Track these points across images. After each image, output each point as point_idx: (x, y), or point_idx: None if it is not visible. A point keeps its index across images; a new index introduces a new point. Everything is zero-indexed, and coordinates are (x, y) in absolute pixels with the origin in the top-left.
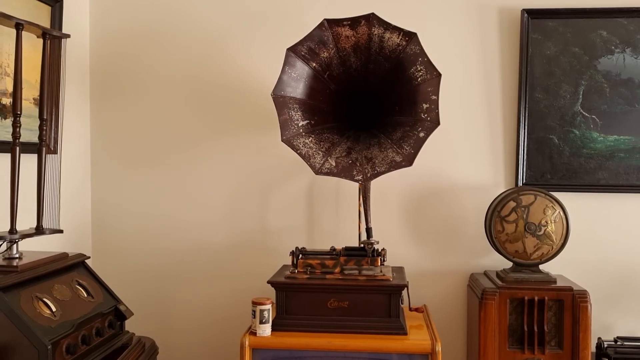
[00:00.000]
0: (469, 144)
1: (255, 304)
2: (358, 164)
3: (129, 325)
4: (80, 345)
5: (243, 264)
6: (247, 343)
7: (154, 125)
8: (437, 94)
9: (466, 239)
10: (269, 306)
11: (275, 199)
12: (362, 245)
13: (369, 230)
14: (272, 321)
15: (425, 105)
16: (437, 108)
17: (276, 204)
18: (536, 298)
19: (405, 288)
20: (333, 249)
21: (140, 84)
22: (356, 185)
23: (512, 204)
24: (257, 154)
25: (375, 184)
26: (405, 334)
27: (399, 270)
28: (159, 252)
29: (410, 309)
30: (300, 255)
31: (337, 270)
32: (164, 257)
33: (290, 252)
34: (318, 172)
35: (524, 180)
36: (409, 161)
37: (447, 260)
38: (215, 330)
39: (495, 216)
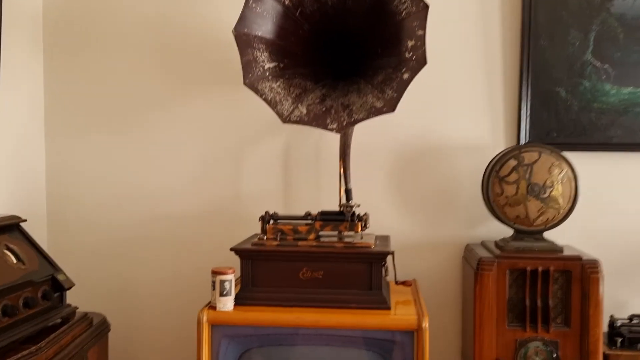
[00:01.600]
0: (464, 99)
1: (215, 273)
2: (333, 112)
3: (84, 301)
4: (1, 318)
5: (212, 234)
6: (204, 318)
7: (113, 83)
8: (424, 29)
9: (461, 206)
10: (230, 276)
11: (249, 162)
12: (340, 210)
13: (348, 192)
14: (236, 294)
15: (410, 43)
16: (424, 45)
17: (250, 168)
18: (540, 268)
19: (390, 257)
20: (308, 214)
21: (97, 39)
22: (336, 147)
23: (513, 162)
24: (228, 112)
25: (358, 144)
26: (388, 308)
27: (383, 239)
28: (119, 221)
29: (396, 283)
30: (271, 221)
31: (312, 237)
32: (126, 227)
33: (260, 217)
34: (286, 120)
35: (527, 139)
36: (391, 106)
37: (440, 229)
38: (181, 308)
39: (493, 177)
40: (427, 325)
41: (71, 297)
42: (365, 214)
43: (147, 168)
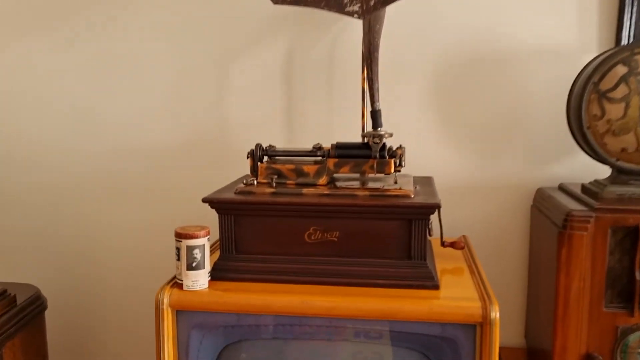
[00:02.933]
0: None
1: (180, 236)
2: None
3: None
4: None
5: (191, 176)
6: (165, 301)
7: None
8: None
9: (530, 135)
10: (203, 240)
11: (238, 77)
12: (365, 141)
13: (375, 115)
14: (213, 266)
15: None
16: None
17: (239, 86)
18: None
19: (437, 211)
20: (318, 148)
21: None
22: (358, 52)
23: (621, 69)
24: (209, 8)
25: (388, 53)
26: (436, 287)
27: (424, 182)
28: (64, 161)
29: (442, 244)
30: (265, 158)
31: (323, 180)
32: (73, 168)
33: (248, 153)
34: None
35: (631, 41)
36: None
37: (498, 167)
38: (150, 277)
39: (589, 92)
40: (498, 316)
41: None
42: (400, 147)
43: (103, 87)
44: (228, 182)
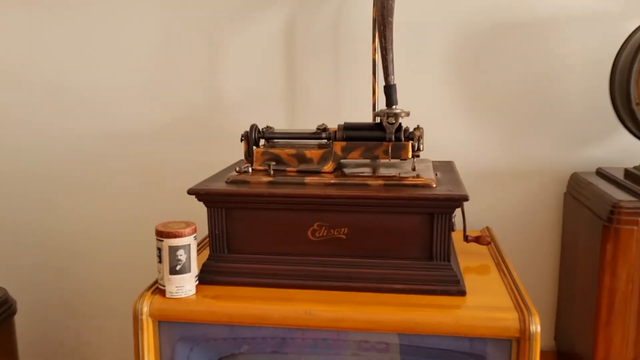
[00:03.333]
0: None
1: (161, 235)
2: None
3: None
4: None
5: (178, 161)
6: (145, 310)
7: None
8: None
9: (563, 112)
10: (189, 240)
11: (233, 49)
12: (377, 121)
13: (390, 91)
14: (202, 267)
15: None
16: None
17: (233, 59)
18: None
19: (463, 203)
20: (322, 129)
21: None
22: (369, 17)
23: None
24: None
25: (402, 18)
26: (462, 293)
27: (445, 168)
28: (36, 145)
29: (465, 239)
30: (261, 141)
31: (329, 167)
32: (46, 153)
33: (242, 135)
34: None
35: None
36: None
37: (527, 149)
38: (131, 277)
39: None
40: (539, 330)
41: None
42: (418, 128)
43: (76, 64)
44: (221, 169)
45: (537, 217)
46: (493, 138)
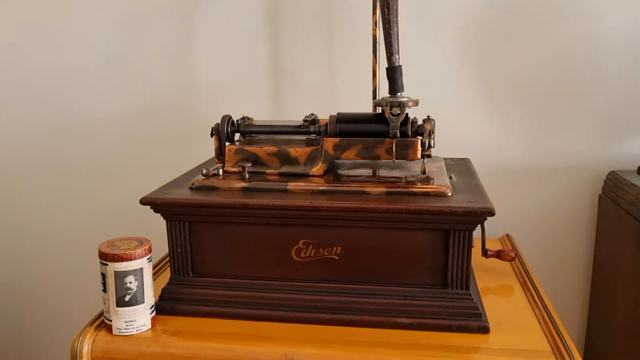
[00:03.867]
0: None
1: (105, 258)
2: None
3: None
4: None
5: (142, 158)
6: (86, 350)
7: None
8: None
9: (598, 100)
10: (141, 262)
11: (207, 23)
12: (378, 111)
13: (394, 74)
14: (161, 294)
15: None
16: None
17: (208, 35)
18: None
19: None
20: (311, 120)
21: None
22: None
23: None
24: None
25: None
26: (485, 330)
27: (460, 168)
28: None
29: (484, 254)
30: (236, 136)
31: (318, 169)
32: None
33: (213, 129)
34: None
35: None
36: None
37: (555, 143)
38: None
39: None
40: None
41: None
42: (428, 120)
43: (26, 42)
44: (189, 168)
45: (566, 223)
46: (515, 130)
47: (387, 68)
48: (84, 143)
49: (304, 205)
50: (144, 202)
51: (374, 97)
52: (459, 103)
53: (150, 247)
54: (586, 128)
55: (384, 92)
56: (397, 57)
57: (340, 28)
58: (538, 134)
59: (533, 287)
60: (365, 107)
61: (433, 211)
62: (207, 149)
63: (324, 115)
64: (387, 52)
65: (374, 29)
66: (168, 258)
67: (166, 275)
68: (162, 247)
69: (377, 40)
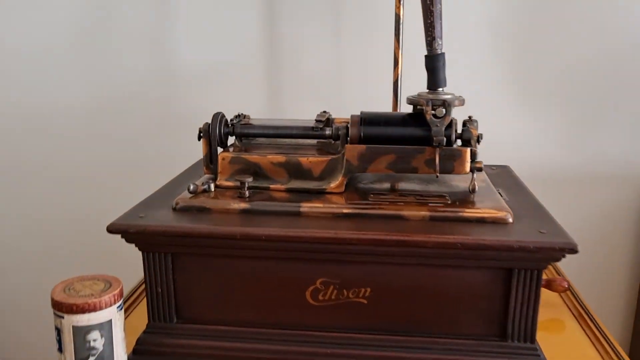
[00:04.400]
0: None
1: (60, 308)
2: None
3: None
4: None
5: (115, 162)
6: None
7: None
8: None
9: None
10: (109, 313)
11: (190, 1)
12: (418, 108)
13: (435, 63)
14: (135, 344)
15: None
16: None
17: (192, 15)
18: None
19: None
20: (325, 120)
21: None
22: None
23: None
24: None
25: None
26: None
27: (505, 181)
28: None
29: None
30: (231, 140)
31: (337, 185)
32: None
33: (201, 130)
34: None
35: None
36: None
37: (597, 148)
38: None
39: None
40: None
41: None
42: (471, 122)
43: None
44: (173, 177)
45: (609, 233)
46: (555, 132)
47: (426, 56)
48: (44, 140)
49: (324, 236)
50: (112, 229)
51: (395, 92)
52: (492, 103)
53: (121, 290)
54: (632, 130)
55: (406, 84)
56: (440, 42)
57: (353, 4)
58: (580, 137)
59: (597, 327)
60: (383, 103)
61: (497, 247)
62: (192, 149)
63: (336, 114)
64: (427, 35)
65: (397, 6)
66: (144, 287)
67: (141, 314)
68: (138, 270)
69: (400, 21)
